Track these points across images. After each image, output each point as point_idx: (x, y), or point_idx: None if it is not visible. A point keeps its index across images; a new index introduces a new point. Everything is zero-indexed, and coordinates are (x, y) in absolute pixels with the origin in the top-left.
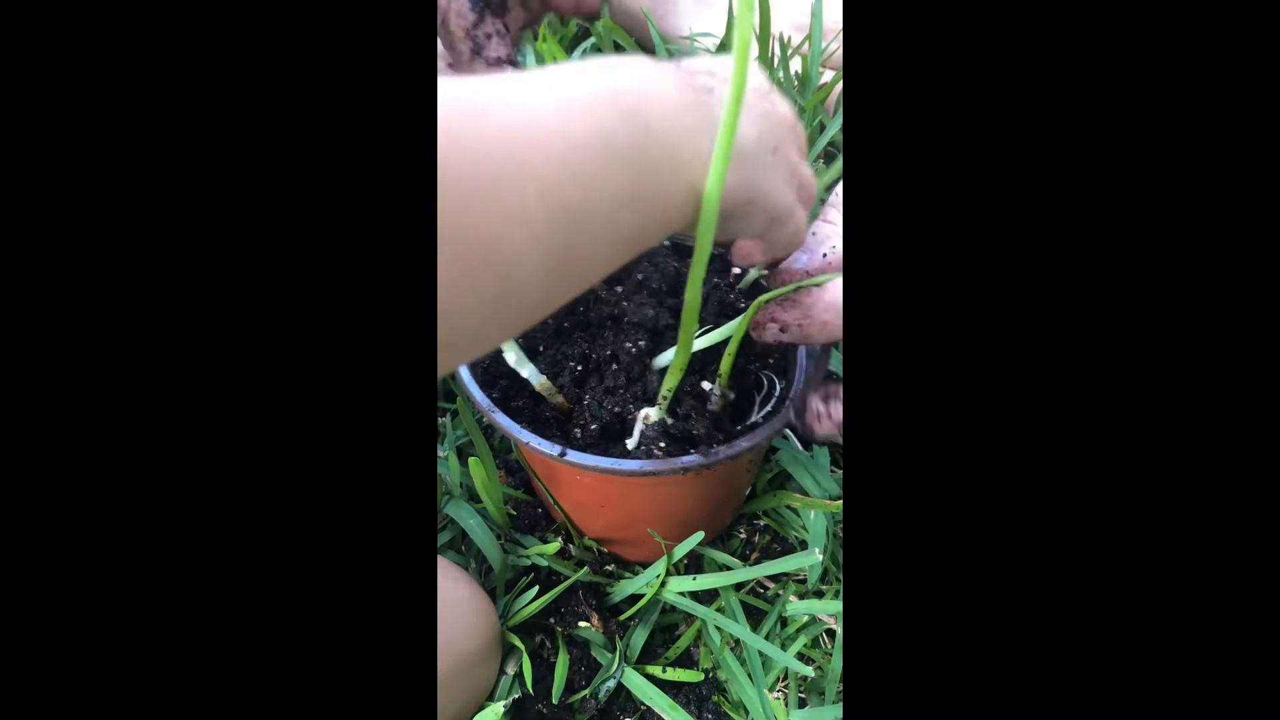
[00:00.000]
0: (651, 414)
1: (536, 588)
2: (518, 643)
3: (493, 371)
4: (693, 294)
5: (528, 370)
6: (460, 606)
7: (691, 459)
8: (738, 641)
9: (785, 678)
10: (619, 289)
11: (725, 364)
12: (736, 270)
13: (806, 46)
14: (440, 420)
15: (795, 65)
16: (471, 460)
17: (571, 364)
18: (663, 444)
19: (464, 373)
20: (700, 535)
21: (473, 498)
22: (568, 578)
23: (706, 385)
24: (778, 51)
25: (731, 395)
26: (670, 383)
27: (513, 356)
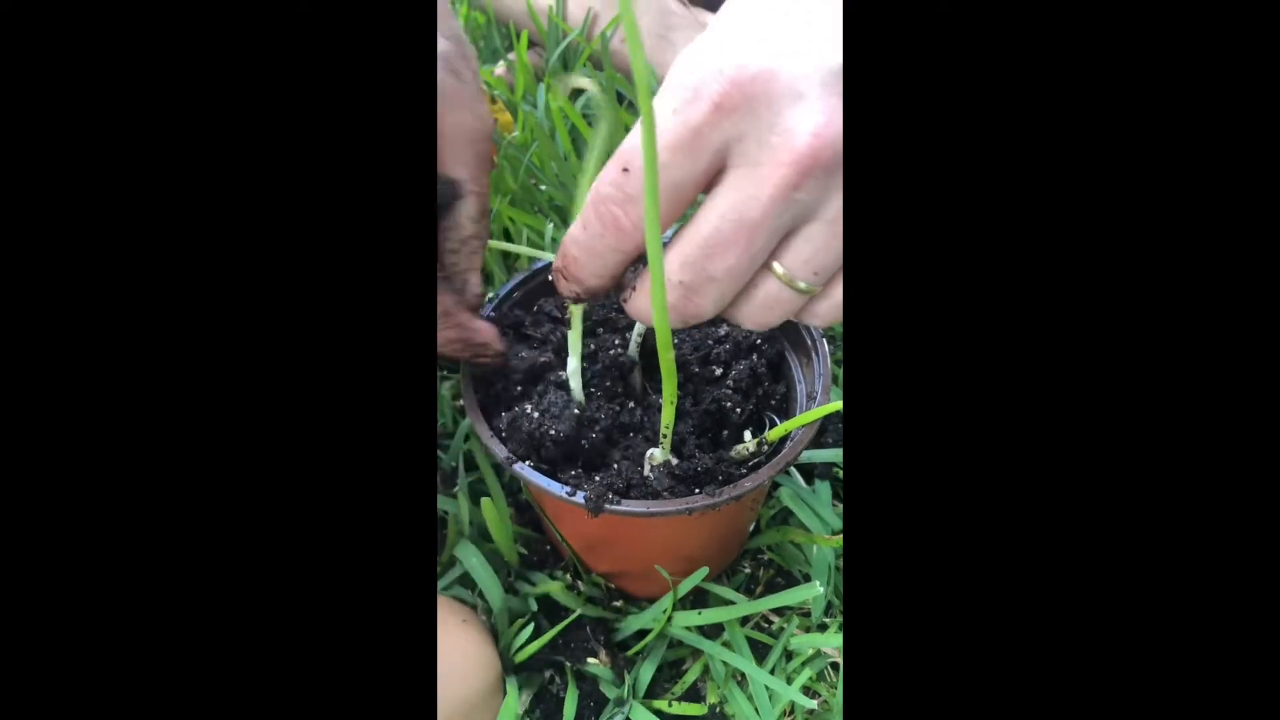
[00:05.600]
0: (657, 454)
1: (533, 625)
2: (522, 681)
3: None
4: (659, 317)
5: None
6: (465, 645)
7: (697, 499)
8: (743, 675)
9: (791, 711)
10: (629, 335)
11: None
12: None
13: None
14: (453, 464)
15: None
16: (484, 501)
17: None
18: (669, 484)
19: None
20: (705, 571)
21: (484, 537)
22: (576, 613)
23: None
24: None
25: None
26: (667, 416)
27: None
